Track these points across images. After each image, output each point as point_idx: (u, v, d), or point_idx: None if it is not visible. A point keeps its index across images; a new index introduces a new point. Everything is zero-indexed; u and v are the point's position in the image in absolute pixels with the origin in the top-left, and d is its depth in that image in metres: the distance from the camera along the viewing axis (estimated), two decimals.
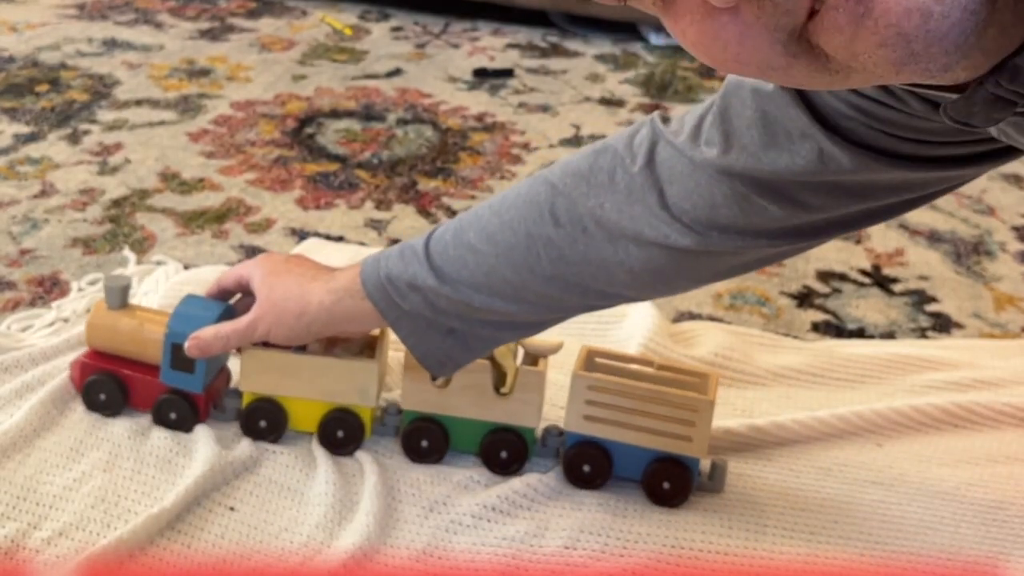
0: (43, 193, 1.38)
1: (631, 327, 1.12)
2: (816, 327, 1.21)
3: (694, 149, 0.77)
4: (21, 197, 1.37)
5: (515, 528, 0.85)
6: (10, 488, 0.85)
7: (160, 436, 0.92)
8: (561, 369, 0.97)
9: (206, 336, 0.90)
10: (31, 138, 1.54)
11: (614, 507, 0.88)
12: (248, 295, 0.94)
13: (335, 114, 1.71)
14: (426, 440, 0.92)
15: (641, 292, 0.86)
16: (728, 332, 1.15)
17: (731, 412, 1.03)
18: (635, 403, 0.89)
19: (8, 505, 0.84)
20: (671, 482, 0.89)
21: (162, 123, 1.63)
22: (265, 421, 0.92)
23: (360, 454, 0.92)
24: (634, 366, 0.93)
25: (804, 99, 0.71)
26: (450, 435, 0.92)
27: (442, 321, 0.86)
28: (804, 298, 1.26)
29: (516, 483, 0.89)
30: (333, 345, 0.93)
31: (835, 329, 1.20)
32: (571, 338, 1.05)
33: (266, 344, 0.92)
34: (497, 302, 0.84)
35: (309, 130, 1.65)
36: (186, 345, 0.90)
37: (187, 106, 1.71)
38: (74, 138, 1.55)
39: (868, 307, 1.25)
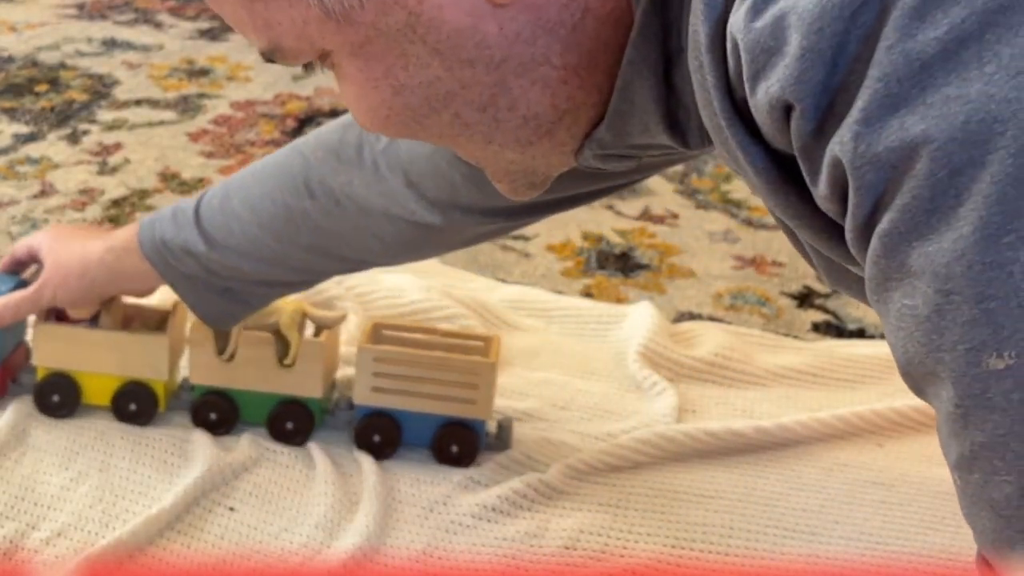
0: (43, 193, 1.38)
1: (631, 328, 1.12)
2: (816, 327, 1.21)
3: None
4: (21, 197, 1.37)
5: (515, 528, 0.85)
6: (8, 488, 0.85)
7: (155, 436, 0.92)
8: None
9: None
10: (30, 138, 1.54)
11: (614, 507, 0.88)
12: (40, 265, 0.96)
13: (335, 114, 1.71)
14: (215, 413, 0.93)
15: (394, 260, 0.91)
16: (728, 332, 1.15)
17: (731, 412, 1.03)
18: (420, 371, 0.91)
19: (6, 505, 0.84)
20: (459, 445, 0.91)
21: (162, 123, 1.63)
22: (58, 395, 0.93)
23: (358, 453, 0.92)
24: (420, 335, 0.96)
25: None
26: (239, 408, 0.94)
27: (217, 282, 0.89)
28: (804, 298, 1.26)
29: (516, 483, 0.89)
30: (130, 321, 0.95)
31: (835, 329, 1.20)
32: (571, 339, 1.05)
33: (60, 318, 0.94)
34: (264, 267, 0.88)
35: (309, 130, 1.65)
36: None
37: (187, 106, 1.71)
38: (74, 138, 1.55)
39: (868, 308, 1.25)
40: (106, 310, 0.93)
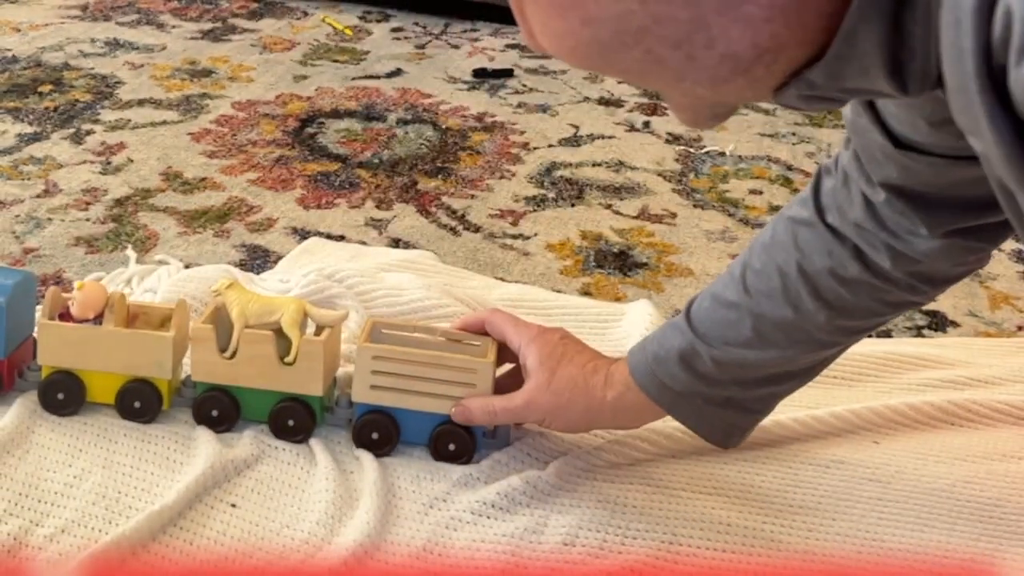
0: (46, 192, 1.39)
1: (629, 326, 1.13)
2: None
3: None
4: (24, 196, 1.38)
5: (514, 524, 0.86)
6: (12, 485, 0.86)
7: (158, 434, 0.93)
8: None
9: (473, 406, 0.91)
10: (34, 138, 1.55)
11: (613, 503, 0.89)
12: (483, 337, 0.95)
13: (336, 114, 1.72)
14: (216, 410, 0.94)
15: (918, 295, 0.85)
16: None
17: None
18: (418, 370, 0.92)
19: (10, 502, 0.84)
20: (456, 443, 0.92)
21: (164, 123, 1.64)
22: (62, 393, 0.94)
23: (359, 451, 0.93)
24: (418, 334, 0.96)
25: (881, 125, 0.74)
26: (240, 405, 0.95)
27: (717, 393, 0.87)
28: None
29: (515, 480, 0.89)
30: (133, 319, 0.96)
31: None
32: None
33: (63, 317, 0.94)
34: (770, 353, 0.85)
35: (310, 130, 1.65)
36: (453, 411, 0.91)
37: (189, 106, 1.71)
38: (77, 138, 1.56)
39: None
40: (110, 309, 0.94)
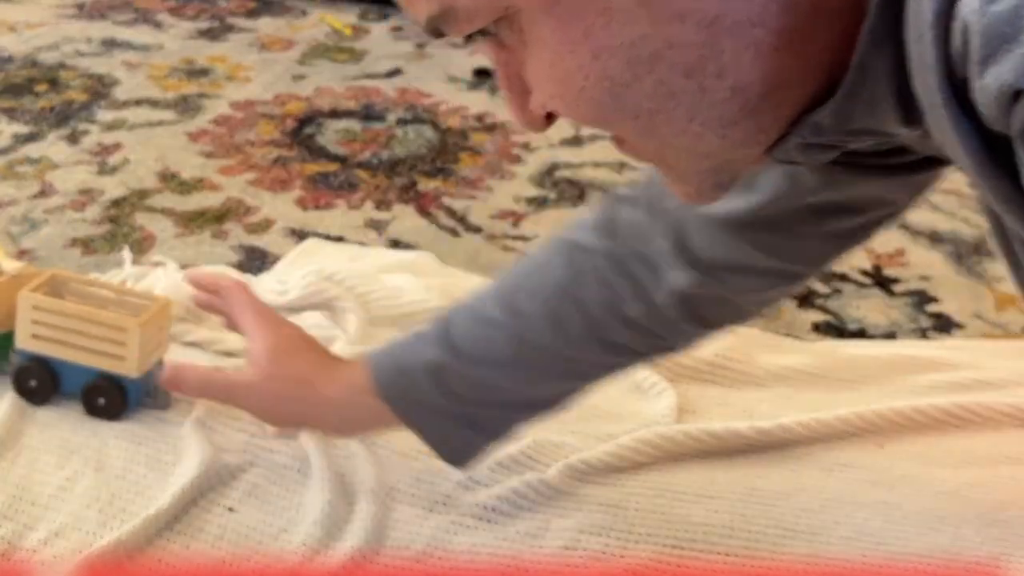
0: (42, 193, 1.38)
1: None
2: (817, 327, 1.20)
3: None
4: (20, 197, 1.37)
5: (515, 529, 0.85)
6: (5, 488, 0.85)
7: (148, 435, 0.92)
8: None
9: (188, 375, 0.89)
10: (30, 138, 1.54)
11: (615, 507, 0.88)
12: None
13: (335, 114, 1.71)
14: None
15: (673, 343, 0.84)
16: (728, 332, 1.14)
17: (732, 412, 1.03)
18: (72, 323, 0.94)
19: (3, 505, 0.84)
20: (106, 398, 0.94)
21: (161, 123, 1.63)
22: None
23: (356, 448, 0.92)
24: (97, 290, 0.99)
25: None
26: None
27: (460, 410, 0.83)
28: (805, 298, 1.26)
29: (517, 483, 0.89)
30: None
31: (836, 329, 1.20)
32: None
33: None
34: (522, 375, 0.81)
35: (309, 130, 1.65)
36: (163, 375, 0.90)
37: (186, 106, 1.70)
38: (73, 138, 1.55)
39: (869, 307, 1.25)
40: None
